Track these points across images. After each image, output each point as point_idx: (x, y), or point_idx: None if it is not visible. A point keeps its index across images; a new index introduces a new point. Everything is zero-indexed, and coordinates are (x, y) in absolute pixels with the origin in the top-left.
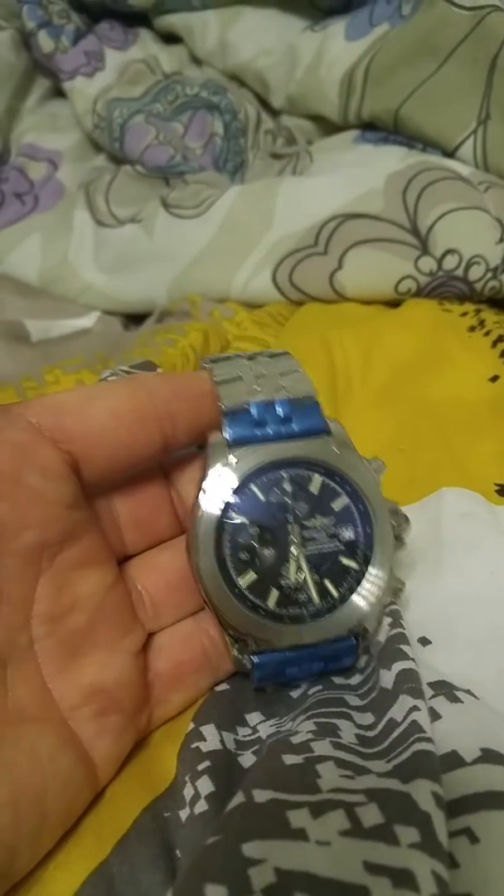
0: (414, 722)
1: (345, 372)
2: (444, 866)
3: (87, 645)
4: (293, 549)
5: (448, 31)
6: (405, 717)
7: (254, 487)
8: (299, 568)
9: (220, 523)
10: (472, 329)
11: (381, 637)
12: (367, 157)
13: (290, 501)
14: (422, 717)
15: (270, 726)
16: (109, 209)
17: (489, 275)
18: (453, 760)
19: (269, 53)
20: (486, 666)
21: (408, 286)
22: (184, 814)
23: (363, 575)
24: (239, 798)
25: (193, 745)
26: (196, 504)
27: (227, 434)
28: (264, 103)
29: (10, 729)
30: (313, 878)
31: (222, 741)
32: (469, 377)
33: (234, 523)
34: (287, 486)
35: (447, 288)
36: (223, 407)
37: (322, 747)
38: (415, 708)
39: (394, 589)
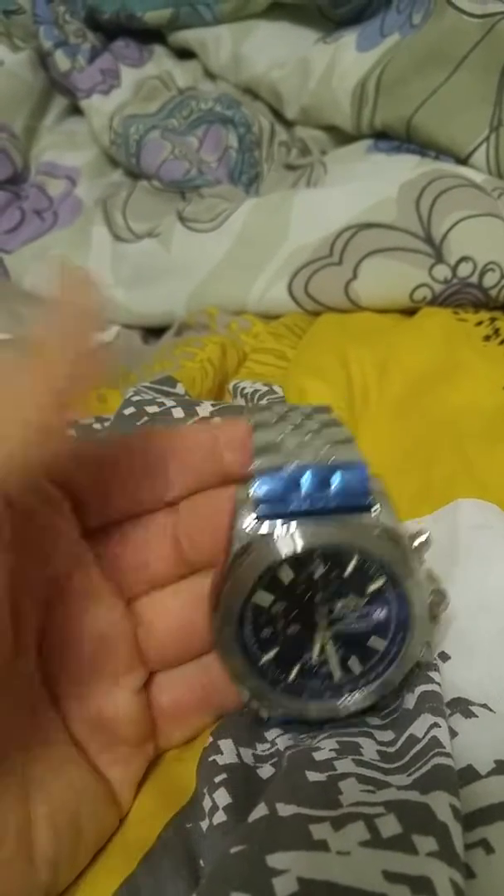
0: (434, 737)
1: (362, 385)
2: (462, 875)
3: (93, 679)
4: (319, 629)
5: (459, 39)
6: (426, 734)
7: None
8: (324, 648)
9: (247, 597)
10: (487, 338)
11: None
12: (381, 166)
13: (320, 580)
14: (442, 734)
15: (289, 739)
16: (127, 224)
17: None
18: (469, 774)
19: (282, 66)
20: (502, 678)
21: (423, 294)
22: (204, 824)
23: (392, 657)
24: (262, 810)
25: (210, 759)
26: (222, 573)
27: (257, 513)
28: (278, 115)
29: (41, 749)
30: (334, 886)
31: (239, 755)
32: (485, 386)
33: (260, 598)
34: (320, 568)
35: (462, 295)
36: (255, 482)
37: (344, 765)
38: (435, 725)
39: (427, 665)
